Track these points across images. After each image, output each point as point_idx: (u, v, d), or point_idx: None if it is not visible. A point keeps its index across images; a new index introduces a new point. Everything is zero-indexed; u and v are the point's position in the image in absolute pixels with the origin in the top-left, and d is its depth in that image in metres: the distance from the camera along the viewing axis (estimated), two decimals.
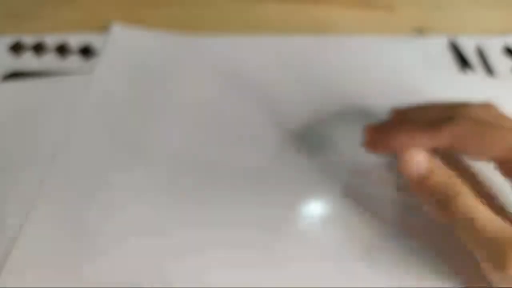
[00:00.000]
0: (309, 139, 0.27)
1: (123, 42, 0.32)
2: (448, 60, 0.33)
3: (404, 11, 0.37)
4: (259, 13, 0.36)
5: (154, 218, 0.24)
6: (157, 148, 0.27)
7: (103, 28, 0.34)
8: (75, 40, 0.33)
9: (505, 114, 0.22)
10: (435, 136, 0.20)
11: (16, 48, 0.32)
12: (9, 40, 0.33)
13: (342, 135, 0.28)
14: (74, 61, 0.32)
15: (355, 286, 0.22)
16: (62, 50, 0.32)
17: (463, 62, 0.33)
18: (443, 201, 0.19)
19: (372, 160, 0.26)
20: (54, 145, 0.27)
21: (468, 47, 0.34)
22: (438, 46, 0.34)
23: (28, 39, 0.33)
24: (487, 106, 0.22)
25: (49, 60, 0.32)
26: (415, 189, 0.20)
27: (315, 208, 0.25)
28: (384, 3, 0.37)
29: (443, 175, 0.20)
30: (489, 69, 0.33)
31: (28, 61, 0.31)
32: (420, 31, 0.35)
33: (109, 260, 0.22)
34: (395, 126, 0.22)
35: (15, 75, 0.30)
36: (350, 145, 0.27)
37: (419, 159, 0.20)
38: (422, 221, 0.23)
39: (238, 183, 0.25)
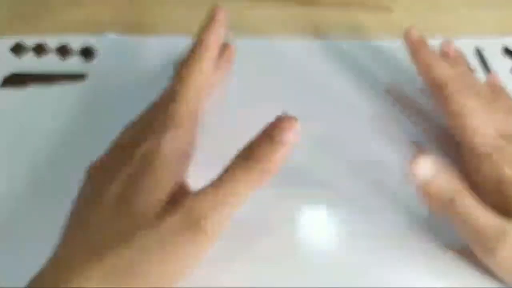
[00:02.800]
0: (308, 141, 0.27)
1: (115, 50, 0.33)
2: None
3: (402, 13, 0.37)
4: (257, 16, 0.36)
5: None
6: None
7: (103, 30, 0.34)
8: (75, 42, 0.33)
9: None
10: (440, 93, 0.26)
11: (17, 49, 0.33)
12: (10, 41, 0.33)
13: (340, 135, 0.28)
14: (74, 62, 0.32)
15: None
16: (62, 51, 0.33)
17: None
18: (444, 203, 0.22)
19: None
20: (52, 151, 0.27)
21: (467, 48, 0.34)
22: (436, 48, 0.34)
23: (29, 41, 0.33)
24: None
25: (50, 62, 0.32)
26: (420, 192, 0.23)
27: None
28: (382, 6, 0.37)
29: (444, 179, 0.22)
30: (488, 70, 0.33)
31: (29, 62, 0.32)
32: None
33: None
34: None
35: (15, 77, 0.31)
36: (351, 142, 0.28)
37: (425, 165, 0.22)
38: None
39: None
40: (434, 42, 0.34)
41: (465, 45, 0.34)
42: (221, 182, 0.19)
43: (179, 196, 0.20)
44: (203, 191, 0.19)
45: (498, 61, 0.34)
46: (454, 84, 0.26)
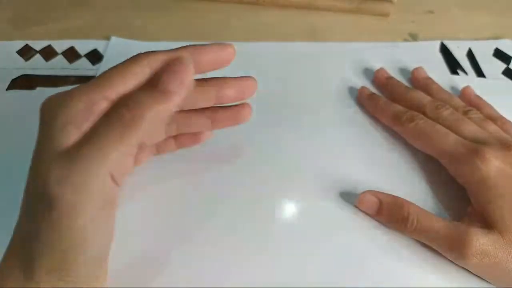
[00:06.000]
0: (303, 140, 0.28)
1: (120, 54, 0.33)
2: (441, 64, 0.34)
3: (399, 17, 0.38)
4: (258, 19, 0.37)
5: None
6: None
7: (109, 33, 0.34)
8: (82, 45, 0.33)
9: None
10: (397, 128, 0.28)
11: (24, 52, 0.33)
12: (17, 44, 0.33)
13: (340, 135, 0.29)
14: (81, 65, 0.32)
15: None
16: (70, 54, 0.33)
17: (455, 65, 0.34)
18: (399, 224, 0.23)
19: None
20: None
21: (460, 51, 0.35)
22: (431, 50, 0.35)
23: (36, 44, 0.33)
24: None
25: (57, 64, 0.32)
26: (376, 217, 0.24)
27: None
28: (379, 10, 0.38)
29: (390, 203, 0.24)
30: (480, 72, 0.34)
31: (36, 65, 0.32)
32: (414, 36, 0.37)
33: None
34: (379, 103, 0.29)
35: (23, 79, 0.31)
36: (346, 142, 0.28)
37: (369, 199, 0.24)
38: None
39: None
40: (429, 45, 0.36)
41: (458, 48, 0.35)
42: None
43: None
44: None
45: (490, 64, 0.34)
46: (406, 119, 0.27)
